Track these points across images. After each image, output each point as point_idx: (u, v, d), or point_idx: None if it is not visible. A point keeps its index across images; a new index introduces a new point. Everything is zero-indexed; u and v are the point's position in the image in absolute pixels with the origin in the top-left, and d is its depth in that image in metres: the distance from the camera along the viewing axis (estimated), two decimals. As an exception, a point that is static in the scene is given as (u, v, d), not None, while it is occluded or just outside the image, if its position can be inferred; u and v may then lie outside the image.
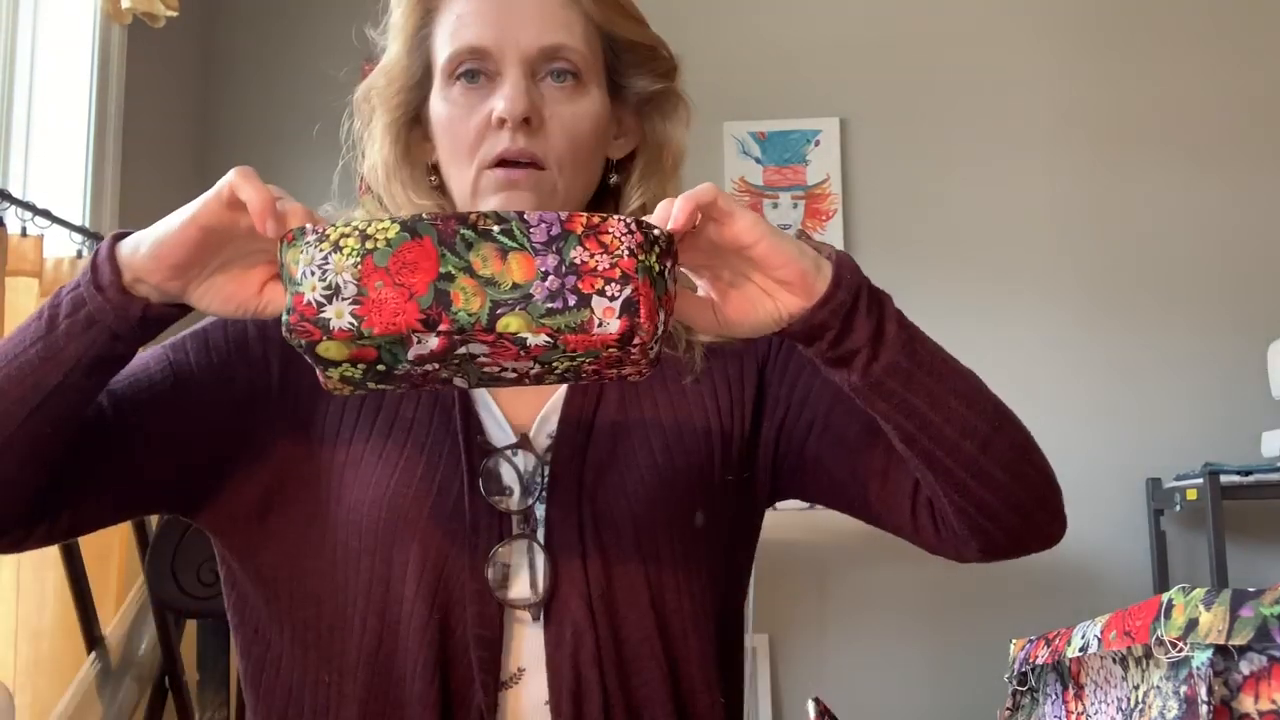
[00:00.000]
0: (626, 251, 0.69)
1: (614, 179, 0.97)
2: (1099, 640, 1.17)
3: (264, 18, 3.36)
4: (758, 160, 3.26)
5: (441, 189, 0.96)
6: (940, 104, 3.25)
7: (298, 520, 0.90)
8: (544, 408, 0.93)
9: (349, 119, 0.99)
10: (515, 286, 0.68)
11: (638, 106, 0.97)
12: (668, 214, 0.73)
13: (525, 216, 0.70)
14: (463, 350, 0.70)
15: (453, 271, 0.68)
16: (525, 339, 0.68)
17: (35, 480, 0.81)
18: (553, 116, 0.90)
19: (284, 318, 0.70)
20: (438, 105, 0.93)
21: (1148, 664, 1.09)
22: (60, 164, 2.59)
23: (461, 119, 0.90)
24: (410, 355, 0.70)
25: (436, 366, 0.72)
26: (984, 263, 3.19)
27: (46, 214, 2.28)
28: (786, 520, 2.35)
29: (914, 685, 3.06)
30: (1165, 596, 1.03)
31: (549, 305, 0.68)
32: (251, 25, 3.37)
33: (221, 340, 0.92)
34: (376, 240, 0.69)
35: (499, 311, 0.68)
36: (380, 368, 0.72)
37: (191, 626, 2.20)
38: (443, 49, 0.92)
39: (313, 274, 0.69)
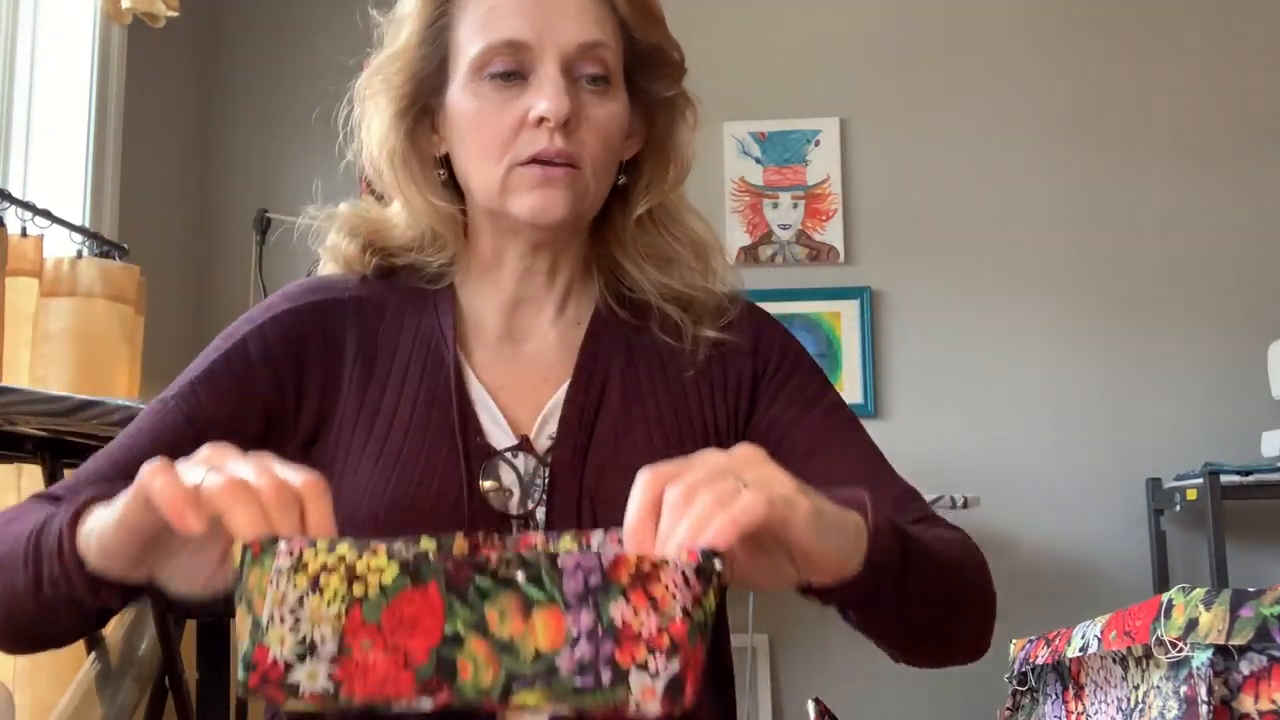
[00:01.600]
0: (680, 611, 0.55)
1: (622, 180, 0.96)
2: (1099, 640, 1.17)
3: (264, 18, 3.36)
4: (758, 160, 3.26)
5: (448, 184, 0.95)
6: (940, 104, 3.25)
7: None
8: (545, 407, 0.92)
9: (348, 105, 0.97)
10: (538, 656, 0.55)
11: (648, 108, 0.96)
12: (711, 536, 0.58)
13: (559, 561, 0.56)
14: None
15: (461, 631, 0.55)
16: (543, 711, 0.57)
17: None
18: (587, 118, 0.88)
19: (241, 672, 0.55)
20: (463, 100, 0.90)
21: (1148, 664, 1.09)
22: (60, 164, 2.59)
23: (494, 115, 0.88)
24: (395, 709, 0.57)
25: None
26: (984, 263, 3.19)
27: (46, 214, 2.28)
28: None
29: (914, 685, 3.06)
30: (1165, 596, 1.03)
31: (577, 681, 0.55)
32: (251, 25, 3.36)
33: (230, 379, 0.89)
34: (368, 584, 0.55)
35: (515, 684, 0.55)
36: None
37: (191, 626, 2.20)
38: (473, 42, 0.89)
39: (282, 621, 0.55)
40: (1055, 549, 3.04)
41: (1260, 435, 2.85)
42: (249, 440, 0.86)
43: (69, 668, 2.08)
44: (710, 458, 0.63)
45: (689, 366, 0.95)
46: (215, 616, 2.11)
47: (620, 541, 0.62)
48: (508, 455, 0.89)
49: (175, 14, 2.58)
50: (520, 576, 0.56)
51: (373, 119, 0.95)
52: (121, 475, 0.81)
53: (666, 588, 0.55)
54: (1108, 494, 3.07)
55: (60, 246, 2.37)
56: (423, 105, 0.93)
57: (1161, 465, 3.01)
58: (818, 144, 3.25)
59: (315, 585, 0.55)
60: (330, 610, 0.55)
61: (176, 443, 0.83)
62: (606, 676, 0.55)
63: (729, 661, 0.98)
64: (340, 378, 0.91)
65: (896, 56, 3.28)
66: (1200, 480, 2.68)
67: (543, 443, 0.91)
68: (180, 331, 3.06)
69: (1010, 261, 3.19)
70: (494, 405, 0.91)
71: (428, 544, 0.61)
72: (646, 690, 0.55)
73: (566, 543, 0.63)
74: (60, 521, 0.71)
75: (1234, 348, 3.07)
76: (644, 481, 0.62)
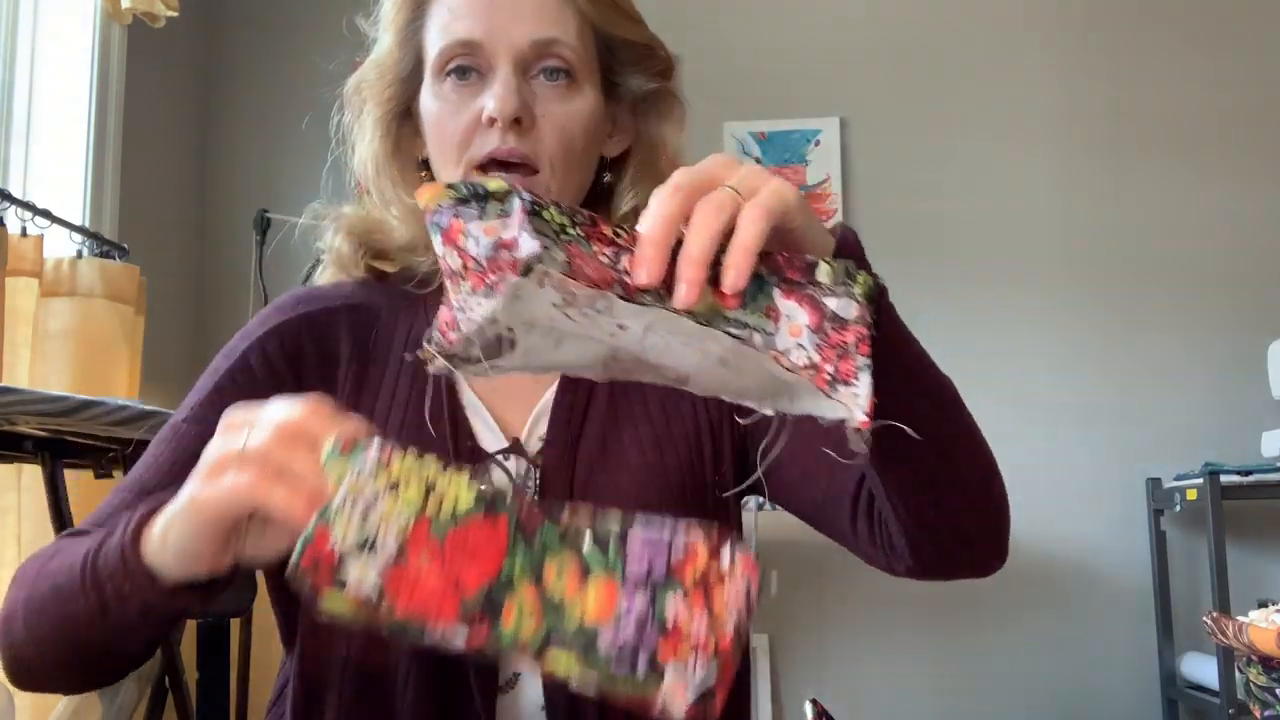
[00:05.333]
0: (733, 621, 0.55)
1: (607, 177, 0.97)
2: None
3: (264, 18, 3.36)
4: (758, 160, 3.25)
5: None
6: (940, 104, 3.25)
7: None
8: (535, 409, 0.92)
9: (339, 112, 0.98)
10: (582, 626, 0.55)
11: (633, 105, 0.96)
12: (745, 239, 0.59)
13: (629, 537, 0.57)
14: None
15: (517, 575, 0.56)
16: (569, 679, 0.56)
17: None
18: (545, 115, 0.88)
19: (295, 552, 0.56)
20: (428, 101, 0.92)
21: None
22: (60, 164, 2.59)
23: (451, 115, 0.89)
24: (426, 639, 0.57)
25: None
26: (984, 263, 3.19)
27: (46, 214, 2.28)
28: (786, 520, 2.34)
29: (914, 684, 3.06)
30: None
31: (613, 665, 0.55)
32: (251, 25, 3.37)
33: (235, 395, 0.88)
34: (443, 502, 0.56)
35: (552, 643, 0.55)
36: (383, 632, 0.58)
37: (191, 626, 2.20)
38: (434, 43, 0.91)
39: (352, 511, 0.56)
40: (1055, 549, 3.04)
41: (1260, 435, 2.85)
42: None
43: (69, 668, 2.07)
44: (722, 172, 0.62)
45: None
46: (215, 617, 2.11)
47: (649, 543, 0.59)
48: (499, 458, 0.90)
49: (175, 14, 2.58)
50: (587, 540, 0.56)
51: (359, 122, 0.96)
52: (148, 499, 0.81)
53: (726, 601, 0.55)
54: (1108, 494, 3.07)
55: (60, 246, 2.37)
56: (405, 108, 0.95)
57: (1161, 465, 3.01)
58: (818, 144, 3.25)
59: (393, 488, 0.56)
60: (400, 517, 0.56)
61: (194, 463, 0.83)
62: (642, 667, 0.55)
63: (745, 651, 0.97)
64: (335, 385, 0.92)
65: (897, 57, 3.28)
66: (1200, 480, 2.68)
67: (534, 444, 0.91)
68: (180, 331, 3.06)
69: (1010, 261, 3.19)
70: (485, 409, 0.92)
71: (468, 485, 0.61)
72: (677, 690, 0.55)
73: (613, 523, 0.60)
74: (120, 540, 0.70)
75: (1234, 348, 3.07)
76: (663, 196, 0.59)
